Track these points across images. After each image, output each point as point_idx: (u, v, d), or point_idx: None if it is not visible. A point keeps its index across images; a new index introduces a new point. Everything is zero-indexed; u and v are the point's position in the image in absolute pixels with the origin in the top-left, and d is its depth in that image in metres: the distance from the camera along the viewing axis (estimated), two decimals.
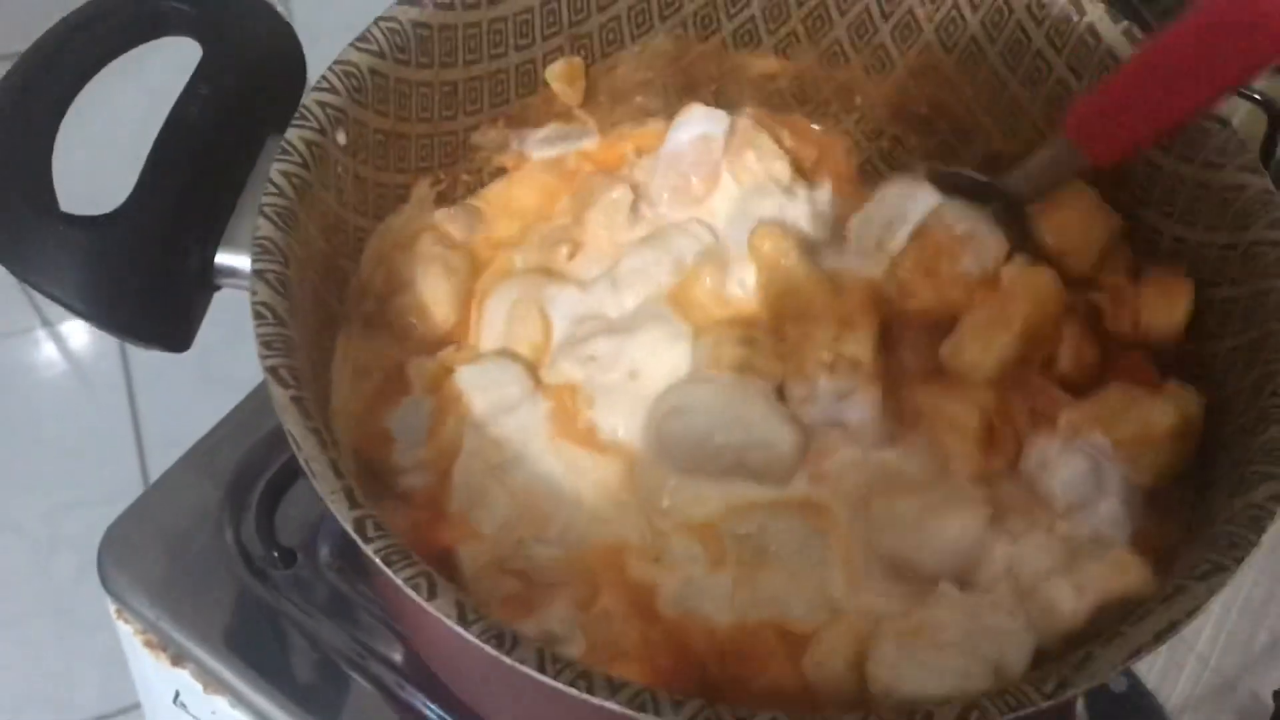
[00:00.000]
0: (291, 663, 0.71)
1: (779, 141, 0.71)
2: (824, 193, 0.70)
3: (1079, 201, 0.65)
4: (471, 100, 0.67)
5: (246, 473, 0.76)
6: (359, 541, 0.47)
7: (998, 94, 0.69)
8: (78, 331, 1.69)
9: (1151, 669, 0.73)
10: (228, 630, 0.72)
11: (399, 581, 0.46)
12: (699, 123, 0.70)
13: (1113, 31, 0.64)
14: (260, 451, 0.76)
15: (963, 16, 0.68)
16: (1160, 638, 0.46)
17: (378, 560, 0.47)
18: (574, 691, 0.44)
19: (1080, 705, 0.71)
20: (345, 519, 0.48)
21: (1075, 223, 0.64)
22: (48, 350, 1.69)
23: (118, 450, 1.56)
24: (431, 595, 0.46)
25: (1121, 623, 0.48)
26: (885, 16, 0.70)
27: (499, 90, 0.69)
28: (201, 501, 0.75)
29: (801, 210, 0.68)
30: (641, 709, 0.44)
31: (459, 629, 0.46)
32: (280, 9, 1.82)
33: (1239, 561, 0.48)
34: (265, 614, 0.72)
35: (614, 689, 0.45)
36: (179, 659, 0.72)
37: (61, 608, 1.46)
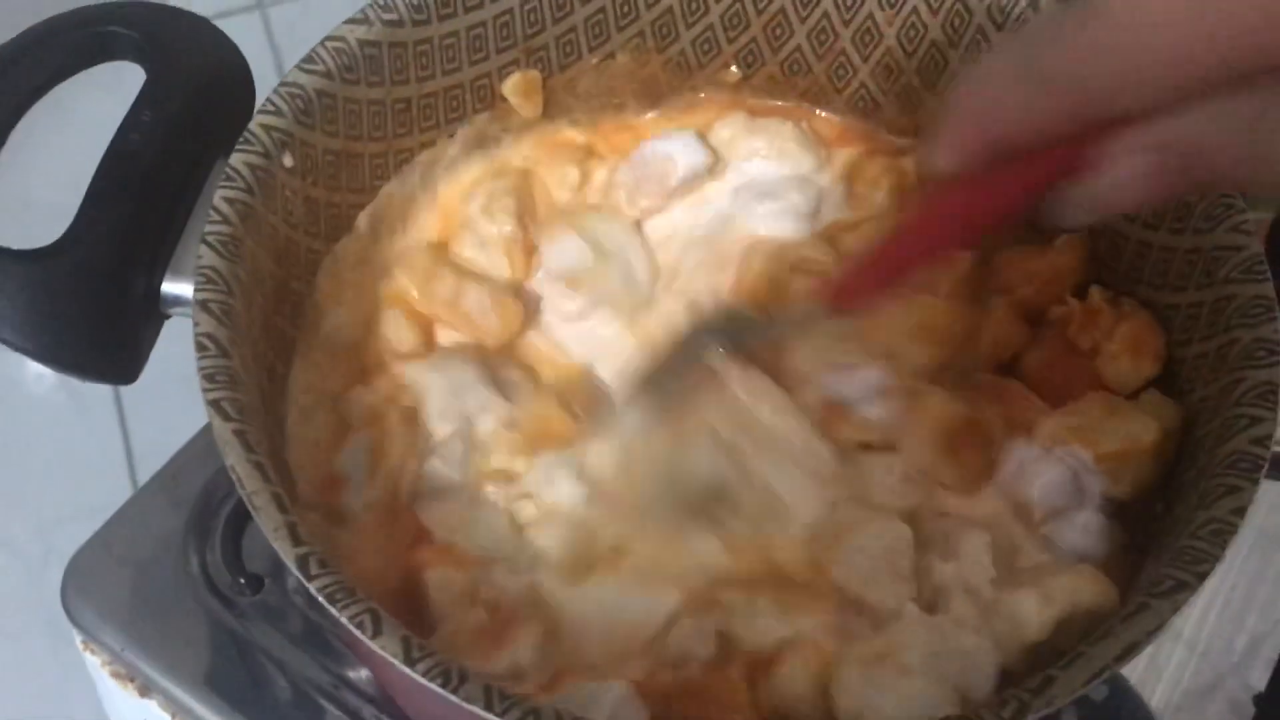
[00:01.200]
0: (261, 691, 0.70)
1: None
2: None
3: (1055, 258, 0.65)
4: (426, 117, 0.66)
5: (211, 498, 0.75)
6: (302, 579, 0.46)
7: None
8: None
9: (1133, 673, 0.72)
10: (195, 660, 0.71)
11: (344, 620, 0.45)
12: (675, 145, 0.69)
13: None
14: (224, 476, 0.74)
15: (923, 22, 0.67)
16: (1121, 659, 0.45)
17: (321, 599, 0.46)
18: None
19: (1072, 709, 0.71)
20: (288, 556, 0.47)
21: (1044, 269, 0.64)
22: (35, 365, 1.67)
23: (108, 465, 1.55)
24: (376, 633, 0.45)
25: (1082, 641, 0.47)
26: (845, 23, 0.69)
27: (455, 106, 0.67)
28: (165, 528, 0.74)
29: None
30: None
31: (404, 669, 0.45)
32: (259, 20, 1.83)
33: (1202, 577, 0.47)
34: (233, 642, 0.71)
35: None
36: (146, 690, 0.71)
37: (55, 622, 1.45)
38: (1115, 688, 0.72)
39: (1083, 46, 0.39)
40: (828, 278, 0.58)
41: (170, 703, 0.70)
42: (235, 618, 0.72)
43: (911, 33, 0.68)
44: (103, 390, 1.63)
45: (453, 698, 0.44)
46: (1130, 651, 0.46)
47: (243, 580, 0.72)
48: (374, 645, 0.45)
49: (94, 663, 0.72)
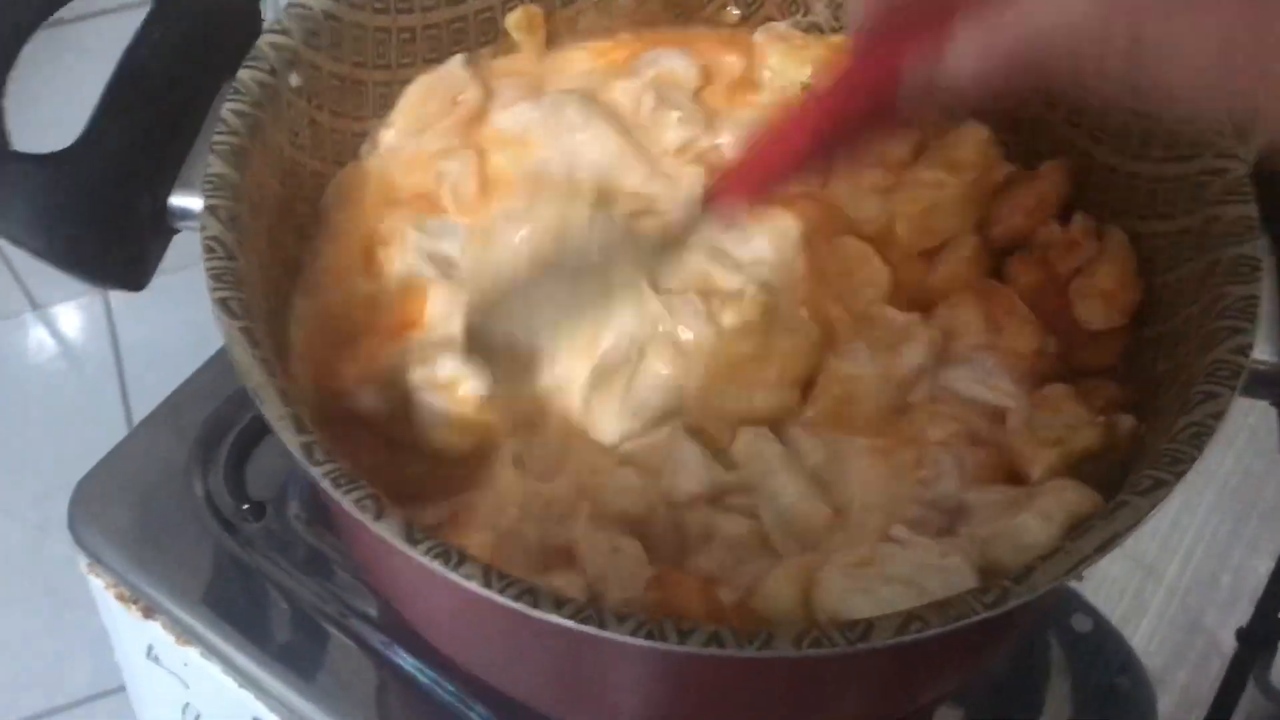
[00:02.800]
0: (262, 613, 0.72)
1: None
2: None
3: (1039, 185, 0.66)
4: (431, 48, 0.68)
5: (216, 427, 0.76)
6: (305, 466, 0.48)
7: None
8: (67, 314, 1.69)
9: (1116, 609, 0.73)
10: (198, 582, 0.72)
11: (346, 504, 0.47)
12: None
13: None
14: (229, 406, 0.77)
15: None
16: (1101, 550, 0.47)
17: (325, 484, 0.47)
18: (520, 606, 0.45)
19: (1055, 645, 0.72)
20: (293, 444, 0.48)
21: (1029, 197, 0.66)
22: (37, 334, 1.69)
23: (109, 432, 1.54)
24: (379, 516, 0.46)
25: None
26: None
27: (458, 38, 0.69)
28: (171, 456, 0.76)
29: None
30: (586, 623, 0.45)
31: (406, 548, 0.46)
32: None
33: (1179, 476, 0.48)
34: (235, 566, 0.73)
35: (559, 604, 0.45)
36: (150, 611, 0.72)
37: (53, 590, 1.47)
38: (1097, 622, 0.73)
39: None
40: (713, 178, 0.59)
41: (173, 624, 0.71)
42: (238, 543, 0.73)
43: None
44: (104, 359, 1.64)
45: (453, 575, 0.45)
46: (1110, 543, 0.47)
47: (245, 507, 0.74)
48: (376, 528, 0.46)
49: (98, 585, 0.74)
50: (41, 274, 1.67)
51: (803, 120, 0.53)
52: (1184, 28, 0.39)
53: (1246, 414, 0.76)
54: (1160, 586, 0.74)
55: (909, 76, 0.45)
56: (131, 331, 1.66)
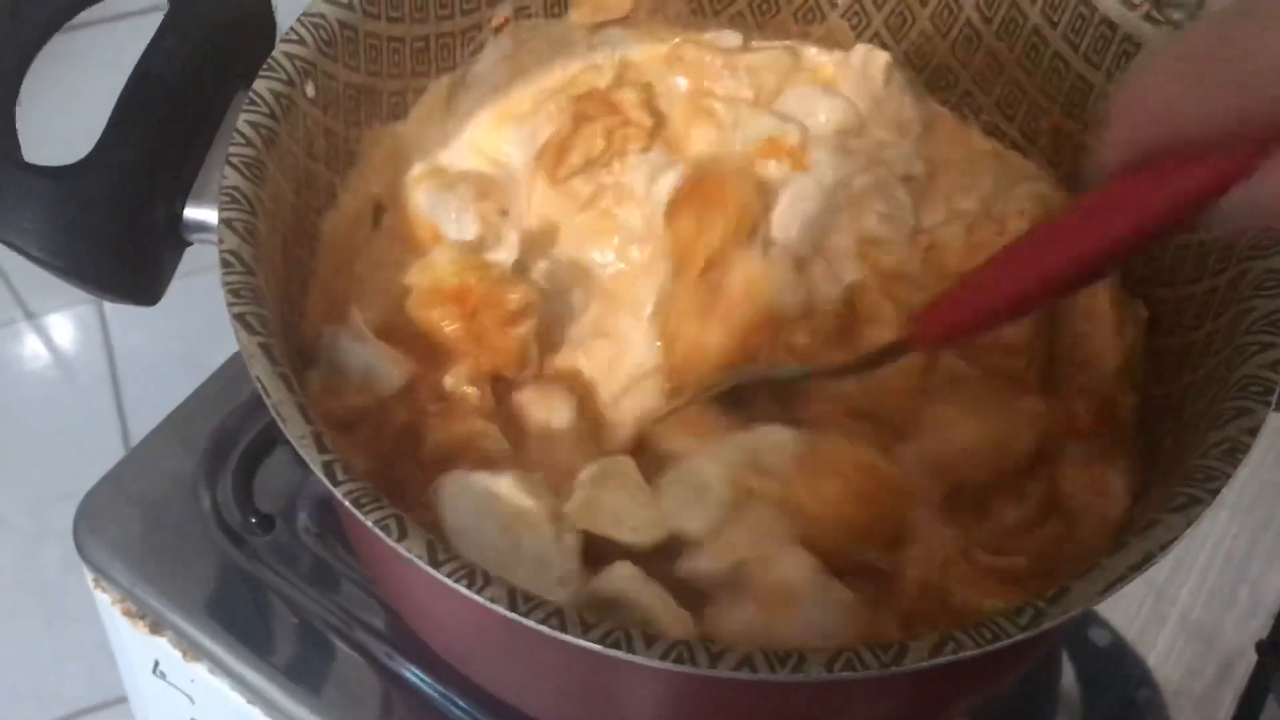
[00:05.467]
0: (270, 628, 0.71)
1: None
2: None
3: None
4: (443, 57, 0.67)
5: (223, 440, 0.75)
6: (328, 484, 0.47)
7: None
8: (61, 324, 1.69)
9: (1134, 623, 0.73)
10: (206, 597, 0.71)
11: (369, 524, 0.46)
12: None
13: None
14: (237, 418, 0.76)
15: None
16: (1136, 569, 0.46)
17: (347, 503, 0.46)
18: (547, 630, 0.44)
19: (1065, 659, 0.72)
20: (315, 463, 0.47)
21: None
22: (31, 343, 1.68)
23: (103, 442, 1.55)
24: (401, 536, 0.46)
25: (1098, 555, 0.48)
26: None
27: (472, 46, 0.68)
28: (178, 469, 0.75)
29: None
30: (615, 647, 0.44)
31: (429, 570, 0.45)
32: None
33: (1214, 494, 0.48)
34: (244, 580, 0.72)
35: (586, 627, 0.44)
36: (157, 626, 0.71)
37: (48, 600, 1.46)
38: (1114, 637, 0.73)
39: (1252, 48, 0.38)
40: (917, 309, 0.55)
41: (180, 639, 0.71)
42: (246, 557, 0.72)
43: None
44: (99, 368, 1.64)
45: (478, 598, 0.44)
46: (1146, 561, 0.46)
47: (254, 520, 0.73)
48: (400, 548, 0.45)
49: (104, 600, 0.73)
50: (36, 283, 1.66)
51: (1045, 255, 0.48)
52: None
53: (1266, 424, 0.76)
54: (1177, 600, 0.74)
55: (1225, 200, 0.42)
56: (126, 340, 1.66)
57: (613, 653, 0.44)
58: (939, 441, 0.59)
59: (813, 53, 0.72)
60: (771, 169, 0.66)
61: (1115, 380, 0.61)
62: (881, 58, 0.70)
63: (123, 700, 1.31)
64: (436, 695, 0.68)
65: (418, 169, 0.68)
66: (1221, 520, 0.76)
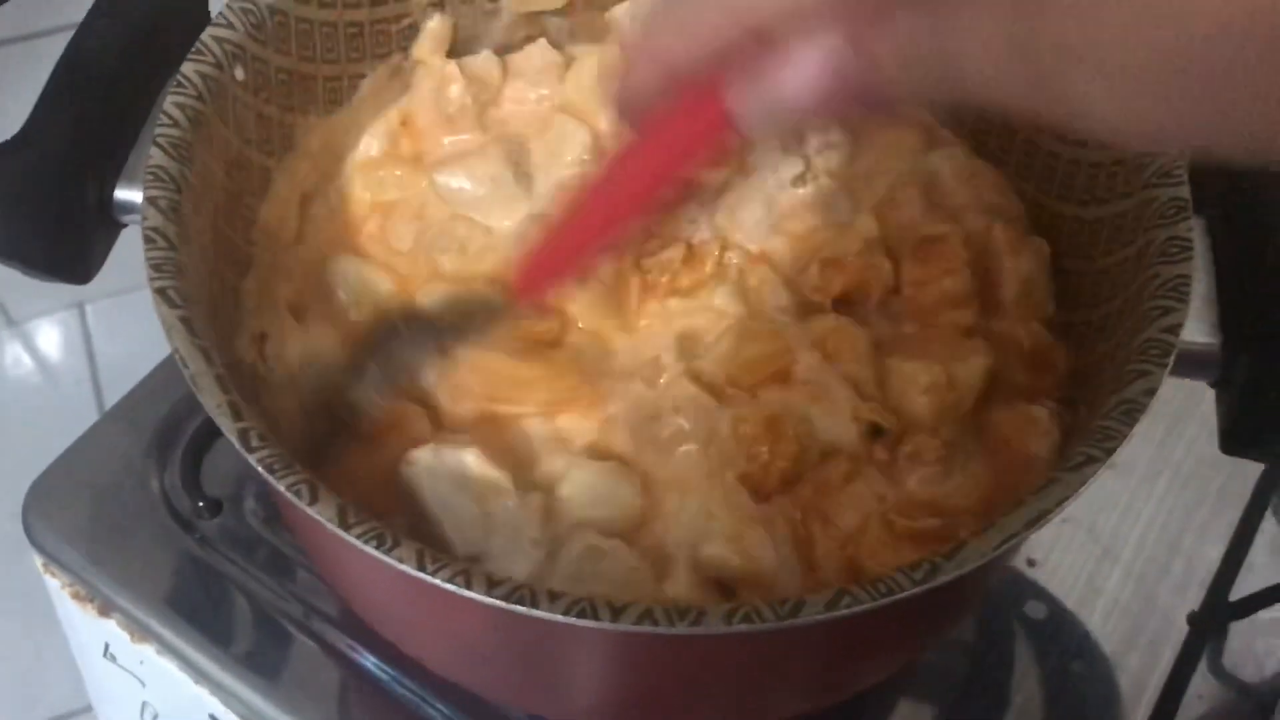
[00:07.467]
0: (218, 610, 0.72)
1: None
2: None
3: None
4: (379, 44, 0.68)
5: (171, 426, 0.77)
6: (243, 452, 0.48)
7: None
8: (44, 330, 1.69)
9: (1070, 595, 0.74)
10: (155, 581, 0.72)
11: (282, 489, 0.47)
12: None
13: None
14: (185, 405, 0.77)
15: None
16: (1031, 525, 0.47)
17: (260, 469, 0.47)
18: (453, 588, 0.45)
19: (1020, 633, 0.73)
20: (230, 431, 0.48)
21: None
22: (13, 349, 1.69)
23: None
24: (313, 500, 0.47)
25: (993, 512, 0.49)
26: None
27: (407, 35, 0.69)
28: (126, 454, 0.76)
29: None
30: (519, 603, 0.45)
31: (340, 532, 0.46)
32: None
33: (1109, 452, 0.49)
34: (192, 564, 0.73)
35: (491, 584, 0.45)
36: (106, 609, 0.72)
37: (29, 605, 1.46)
38: (1054, 609, 0.74)
39: None
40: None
41: (129, 622, 0.72)
42: (195, 541, 0.73)
43: None
44: (81, 374, 1.64)
45: (387, 559, 0.45)
46: (1040, 519, 0.47)
47: (201, 504, 0.74)
48: (311, 511, 0.46)
49: (54, 585, 0.74)
50: (17, 289, 1.67)
51: (613, 186, 0.53)
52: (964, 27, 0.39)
53: (1199, 402, 0.78)
54: (1113, 572, 0.75)
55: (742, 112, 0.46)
56: (108, 347, 1.66)
57: (517, 609, 0.45)
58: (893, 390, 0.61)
59: None
60: None
61: (1016, 309, 0.62)
62: None
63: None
64: (388, 678, 0.69)
65: (358, 156, 0.69)
66: (1157, 494, 0.77)
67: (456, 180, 0.66)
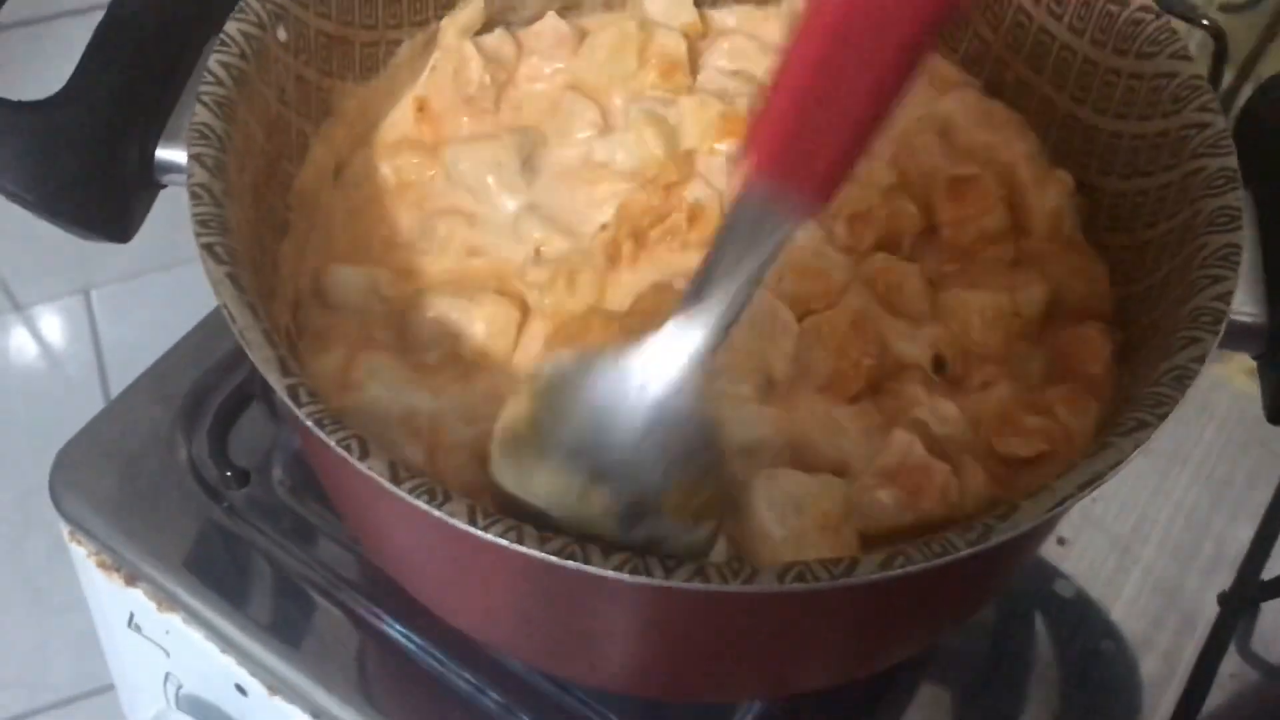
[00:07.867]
0: (245, 580, 0.72)
1: None
2: None
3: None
4: (416, 10, 0.68)
5: (200, 395, 0.76)
6: (292, 407, 0.47)
7: None
8: (49, 315, 1.69)
9: (1099, 576, 0.74)
10: (181, 549, 0.72)
11: (331, 443, 0.47)
12: None
13: None
14: (213, 374, 0.77)
15: None
16: (1085, 488, 0.47)
17: (310, 424, 0.47)
18: (505, 542, 0.45)
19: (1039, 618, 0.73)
20: (279, 386, 0.48)
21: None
22: (19, 335, 1.69)
23: None
24: (364, 455, 0.46)
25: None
26: None
27: (444, 2, 0.69)
28: (154, 424, 0.76)
29: None
30: (570, 559, 0.45)
31: (392, 487, 0.46)
32: None
33: (1162, 418, 0.48)
34: (219, 533, 0.73)
35: (543, 540, 0.45)
36: (132, 579, 0.72)
37: (34, 590, 1.47)
38: (1078, 591, 0.74)
39: None
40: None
41: (155, 591, 0.71)
42: (222, 510, 0.73)
43: None
44: (86, 359, 1.64)
45: (438, 513, 0.45)
46: (1093, 482, 0.47)
47: (229, 474, 0.74)
48: (362, 467, 0.46)
49: (80, 554, 0.73)
50: (23, 274, 1.67)
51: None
52: None
53: (1229, 381, 0.78)
54: (1142, 553, 0.75)
55: None
56: (113, 332, 1.66)
57: (568, 564, 0.45)
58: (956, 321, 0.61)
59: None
60: None
61: (1046, 241, 0.63)
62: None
63: (109, 688, 1.32)
64: (413, 646, 0.69)
65: (391, 125, 0.68)
66: (1187, 474, 0.77)
67: (463, 162, 0.66)
